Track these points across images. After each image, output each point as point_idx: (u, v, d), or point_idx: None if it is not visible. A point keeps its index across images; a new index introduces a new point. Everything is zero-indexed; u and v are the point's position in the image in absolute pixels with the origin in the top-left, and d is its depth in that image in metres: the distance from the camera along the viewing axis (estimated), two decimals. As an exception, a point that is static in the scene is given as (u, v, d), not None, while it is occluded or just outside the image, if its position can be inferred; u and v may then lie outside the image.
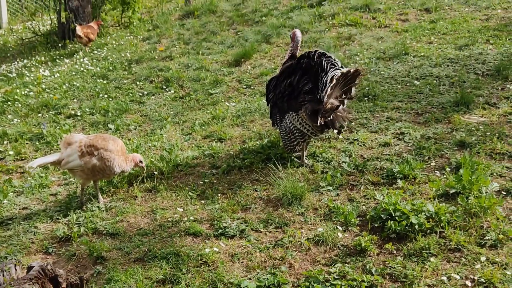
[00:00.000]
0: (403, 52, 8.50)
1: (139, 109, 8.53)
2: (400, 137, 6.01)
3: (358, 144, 5.99)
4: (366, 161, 5.58)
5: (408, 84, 7.36)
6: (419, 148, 5.66)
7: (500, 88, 6.83)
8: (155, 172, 5.99)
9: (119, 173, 5.53)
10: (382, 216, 4.54)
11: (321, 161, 5.79)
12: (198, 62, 10.12)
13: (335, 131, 5.49)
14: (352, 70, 5.23)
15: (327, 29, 10.58)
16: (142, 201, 5.54)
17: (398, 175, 5.19)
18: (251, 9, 12.94)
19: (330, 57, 5.40)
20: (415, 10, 10.84)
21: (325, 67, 5.30)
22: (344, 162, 5.62)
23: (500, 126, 5.90)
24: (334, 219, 4.74)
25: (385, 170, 5.36)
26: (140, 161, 5.66)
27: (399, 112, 6.58)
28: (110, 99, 8.94)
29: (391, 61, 8.34)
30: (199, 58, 10.36)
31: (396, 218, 4.45)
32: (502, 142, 5.54)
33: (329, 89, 5.18)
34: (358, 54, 8.98)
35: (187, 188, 5.63)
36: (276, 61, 9.63)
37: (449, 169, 5.17)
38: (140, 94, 9.12)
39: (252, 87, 8.71)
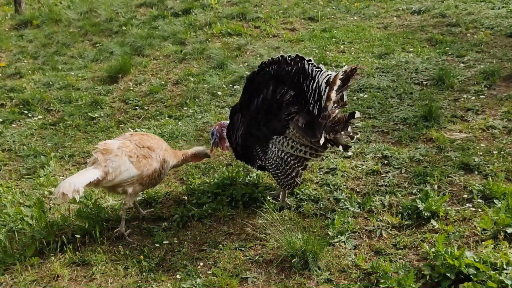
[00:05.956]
0: (322, 62, 7.42)
1: (-3, 142, 6.42)
2: (385, 161, 4.86)
3: (340, 174, 4.72)
4: (368, 197, 4.32)
5: (353, 98, 6.26)
6: (419, 175, 4.55)
7: (453, 99, 6.03)
8: (77, 235, 4.12)
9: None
10: (448, 275, 3.33)
11: (306, 200, 4.41)
12: (60, 79, 8.13)
13: (341, 147, 4.03)
14: (348, 69, 3.93)
15: (208, 40, 9.20)
16: (71, 283, 3.69)
17: (425, 214, 4.01)
18: (105, 18, 11.05)
19: (310, 60, 4.08)
20: (298, 19, 9.89)
21: (310, 71, 3.98)
22: (342, 199, 4.31)
23: (491, 142, 5.03)
24: (381, 286, 3.40)
25: (400, 207, 4.16)
26: (206, 154, 4.83)
27: (360, 131, 5.45)
28: (-49, 131, 6.66)
29: (311, 73, 7.22)
30: (60, 75, 8.36)
31: (472, 277, 3.27)
32: (514, 161, 4.65)
33: (333, 94, 3.85)
34: (263, 65, 7.71)
35: (140, 255, 3.88)
36: (161, 76, 8.02)
37: (480, 201, 4.12)
38: (-8, 122, 6.96)
39: (145, 108, 7.04)
